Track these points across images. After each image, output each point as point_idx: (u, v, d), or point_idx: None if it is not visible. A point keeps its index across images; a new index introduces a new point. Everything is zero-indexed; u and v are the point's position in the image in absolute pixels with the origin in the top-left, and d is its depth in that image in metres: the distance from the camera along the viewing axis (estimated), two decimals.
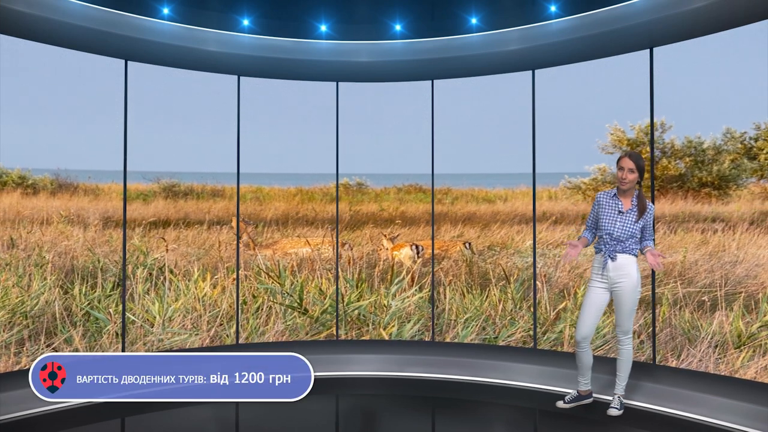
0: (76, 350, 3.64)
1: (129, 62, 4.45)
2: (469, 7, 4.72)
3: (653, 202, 4.16)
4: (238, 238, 4.79)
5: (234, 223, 4.12)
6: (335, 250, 4.34)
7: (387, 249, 4.13)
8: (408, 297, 4.03)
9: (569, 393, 4.03)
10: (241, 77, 4.90)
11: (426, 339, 4.48)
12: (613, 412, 3.73)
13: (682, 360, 3.64)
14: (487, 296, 3.94)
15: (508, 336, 3.89)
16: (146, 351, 3.86)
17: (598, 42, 4.35)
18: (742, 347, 3.32)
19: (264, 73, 4.96)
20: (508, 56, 4.75)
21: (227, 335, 3.95)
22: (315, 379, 3.91)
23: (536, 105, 4.43)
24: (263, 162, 3.94)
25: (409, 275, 4.06)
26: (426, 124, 4.54)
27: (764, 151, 3.35)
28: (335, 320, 4.97)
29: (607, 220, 3.71)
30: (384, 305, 4.04)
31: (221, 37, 4.73)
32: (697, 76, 3.55)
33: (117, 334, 3.72)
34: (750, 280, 3.45)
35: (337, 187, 4.43)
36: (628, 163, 3.63)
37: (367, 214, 4.14)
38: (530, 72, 4.72)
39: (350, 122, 4.19)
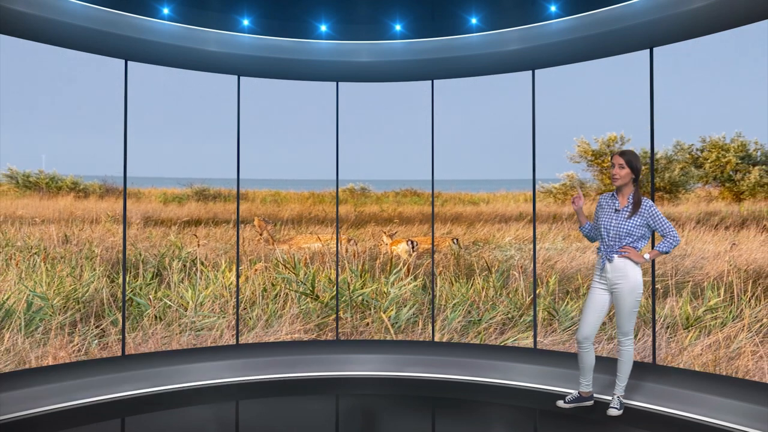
0: (121, 331, 4.18)
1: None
2: (469, 7, 4.72)
3: (653, 200, 4.16)
4: (239, 240, 4.83)
5: (256, 223, 4.69)
6: (336, 247, 4.89)
7: (386, 244, 4.77)
8: (404, 285, 4.65)
9: (570, 393, 4.03)
10: (241, 77, 4.91)
11: (420, 323, 4.76)
12: (613, 412, 3.73)
13: (639, 339, 4.11)
14: (472, 284, 4.56)
15: (490, 318, 4.45)
16: (180, 332, 4.37)
17: (598, 42, 4.35)
18: (689, 328, 3.82)
19: (264, 73, 4.96)
20: (508, 56, 4.75)
21: (249, 318, 4.56)
22: (316, 379, 3.91)
23: (513, 116, 4.68)
24: (281, 169, 4.65)
25: (406, 266, 4.70)
26: (419, 134, 4.87)
27: (709, 161, 3.82)
28: (335, 318, 5.00)
29: (604, 219, 3.70)
30: (384, 292, 4.66)
31: (221, 37, 4.74)
32: (651, 95, 4.07)
33: (156, 316, 4.28)
34: (696, 271, 3.92)
35: (337, 183, 4.84)
36: (618, 159, 3.65)
37: (370, 214, 4.78)
38: (530, 72, 4.73)
39: (355, 134, 4.79)
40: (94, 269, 4.09)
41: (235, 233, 4.60)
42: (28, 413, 3.75)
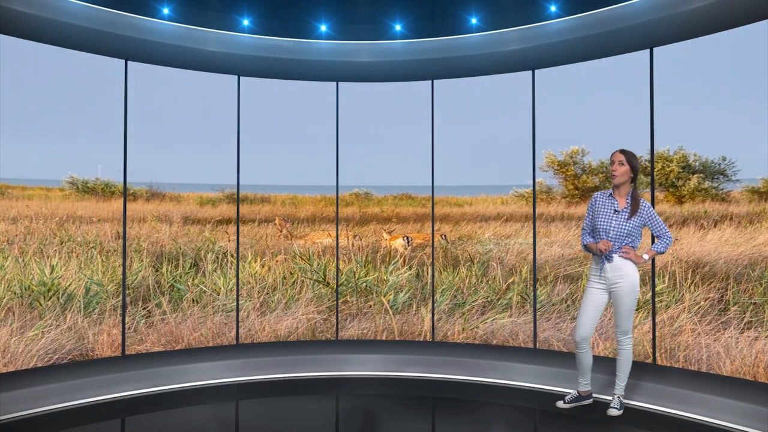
0: (164, 312, 4.78)
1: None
2: (469, 7, 4.72)
3: (653, 204, 4.17)
4: (238, 240, 4.86)
5: (277, 222, 5.32)
6: (335, 247, 5.28)
7: (386, 239, 5.43)
8: (401, 274, 5.34)
9: (569, 393, 4.04)
10: (241, 77, 4.91)
11: (414, 306, 5.18)
12: (613, 412, 3.73)
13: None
14: (457, 273, 5.23)
15: (473, 302, 5.10)
16: (214, 313, 4.96)
17: (597, 42, 4.36)
18: (638, 310, 4.33)
19: (264, 73, 4.97)
20: (508, 56, 4.75)
21: (272, 300, 5.13)
22: (316, 379, 3.91)
23: (495, 124, 5.07)
24: (297, 175, 5.39)
25: (402, 258, 5.38)
26: (414, 143, 5.24)
27: (655, 170, 4.32)
28: (336, 315, 5.01)
29: (603, 219, 3.69)
30: (384, 280, 5.35)
31: (221, 37, 4.74)
32: (609, 113, 4.63)
33: (193, 300, 4.93)
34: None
35: (337, 181, 5.31)
36: (618, 156, 3.67)
37: (372, 214, 5.47)
38: (530, 72, 4.73)
39: (360, 144, 5.37)
40: (142, 260, 4.76)
41: (259, 231, 5.25)
42: (28, 413, 3.76)
